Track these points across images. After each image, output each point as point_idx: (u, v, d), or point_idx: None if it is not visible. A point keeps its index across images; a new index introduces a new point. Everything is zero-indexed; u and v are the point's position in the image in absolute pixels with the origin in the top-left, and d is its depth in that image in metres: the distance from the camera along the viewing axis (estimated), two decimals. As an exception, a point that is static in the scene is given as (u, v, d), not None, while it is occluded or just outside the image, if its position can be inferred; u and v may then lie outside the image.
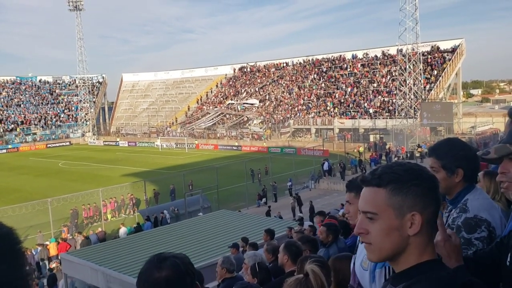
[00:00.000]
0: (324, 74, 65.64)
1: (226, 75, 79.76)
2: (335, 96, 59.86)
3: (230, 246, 9.61)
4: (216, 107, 70.33)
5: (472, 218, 2.17)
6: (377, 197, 1.33)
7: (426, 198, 1.31)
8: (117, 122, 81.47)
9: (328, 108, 58.43)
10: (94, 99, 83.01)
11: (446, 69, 52.67)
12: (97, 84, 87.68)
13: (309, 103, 61.30)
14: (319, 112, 58.27)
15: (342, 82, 61.60)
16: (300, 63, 71.70)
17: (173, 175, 32.27)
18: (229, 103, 69.76)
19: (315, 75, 66.48)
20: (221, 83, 78.46)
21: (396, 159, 36.08)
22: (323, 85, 63.44)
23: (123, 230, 21.00)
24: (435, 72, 53.84)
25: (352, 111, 55.44)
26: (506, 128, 2.75)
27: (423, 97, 49.19)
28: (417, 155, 36.34)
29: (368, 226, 1.34)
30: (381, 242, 1.32)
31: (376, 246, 1.33)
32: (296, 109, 61.38)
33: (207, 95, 77.20)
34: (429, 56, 55.83)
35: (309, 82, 65.78)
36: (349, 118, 54.35)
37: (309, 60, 70.76)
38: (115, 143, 69.12)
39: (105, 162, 48.21)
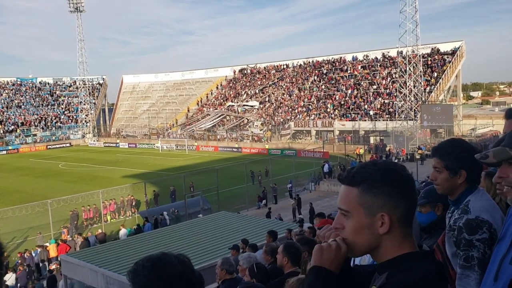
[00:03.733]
0: (324, 76, 65.65)
1: (226, 77, 79.79)
2: (335, 98, 59.86)
3: (230, 248, 9.60)
4: (216, 109, 70.33)
5: (474, 219, 2.15)
6: (349, 196, 1.36)
7: (396, 198, 1.32)
8: (117, 123, 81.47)
9: (328, 110, 58.41)
10: (94, 101, 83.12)
11: (446, 71, 52.70)
12: (97, 85, 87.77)
13: (309, 105, 61.28)
14: (319, 114, 58.25)
15: (343, 84, 61.60)
16: (300, 65, 71.70)
17: (173, 177, 32.26)
18: (229, 105, 69.76)
19: (316, 77, 66.49)
20: (221, 85, 78.49)
21: (396, 161, 36.05)
22: (323, 87, 63.44)
23: (123, 232, 21.00)
24: (435, 74, 53.85)
25: (353, 113, 55.41)
26: (504, 129, 2.73)
27: (423, 99, 49.20)
28: (418, 157, 36.30)
29: (344, 222, 1.38)
30: (354, 239, 1.35)
31: (349, 242, 1.37)
32: (296, 111, 61.37)
33: (207, 96, 77.23)
34: (429, 58, 55.85)
35: (309, 84, 65.78)
36: (349, 120, 54.32)
37: (309, 62, 70.77)
38: (115, 144, 69.12)
39: (105, 164, 48.19)
